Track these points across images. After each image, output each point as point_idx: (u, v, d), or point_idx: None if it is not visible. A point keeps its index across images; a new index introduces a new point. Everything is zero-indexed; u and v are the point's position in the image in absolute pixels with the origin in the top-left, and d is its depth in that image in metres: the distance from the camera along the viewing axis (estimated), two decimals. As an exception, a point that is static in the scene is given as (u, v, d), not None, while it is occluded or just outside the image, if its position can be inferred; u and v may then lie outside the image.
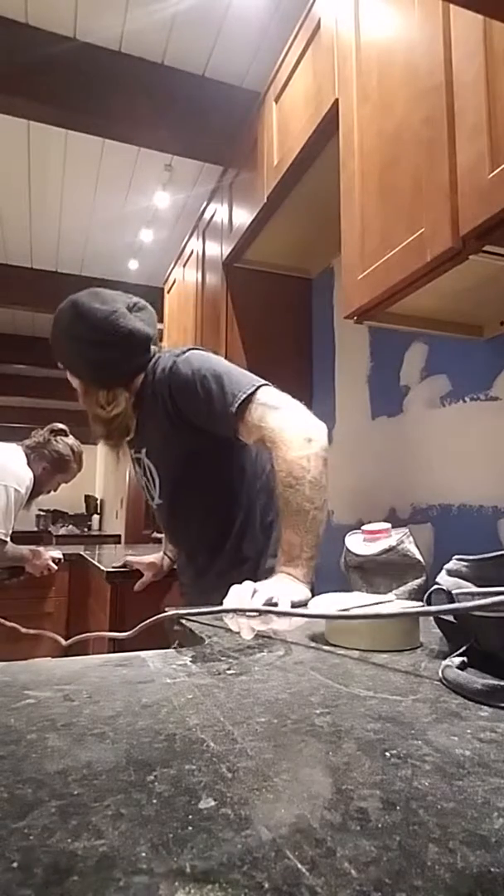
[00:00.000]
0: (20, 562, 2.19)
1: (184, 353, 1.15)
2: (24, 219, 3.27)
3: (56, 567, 2.29)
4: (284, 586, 0.94)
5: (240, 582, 0.94)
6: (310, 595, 0.95)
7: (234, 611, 0.79)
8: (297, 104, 1.44)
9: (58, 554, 2.31)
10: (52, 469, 2.20)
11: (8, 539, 2.03)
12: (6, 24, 1.98)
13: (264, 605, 0.86)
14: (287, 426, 1.01)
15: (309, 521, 0.97)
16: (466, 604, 0.53)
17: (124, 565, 1.77)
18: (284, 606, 0.87)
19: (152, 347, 1.22)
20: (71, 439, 2.26)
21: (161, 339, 2.72)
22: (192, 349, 1.17)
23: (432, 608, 0.58)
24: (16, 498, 2.00)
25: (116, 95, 2.12)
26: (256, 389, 1.04)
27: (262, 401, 1.04)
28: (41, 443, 2.18)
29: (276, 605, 0.87)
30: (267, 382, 1.07)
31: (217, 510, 1.21)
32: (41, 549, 2.29)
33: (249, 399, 1.03)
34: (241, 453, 1.19)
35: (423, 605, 0.69)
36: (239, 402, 1.02)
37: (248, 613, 0.85)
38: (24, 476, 2.06)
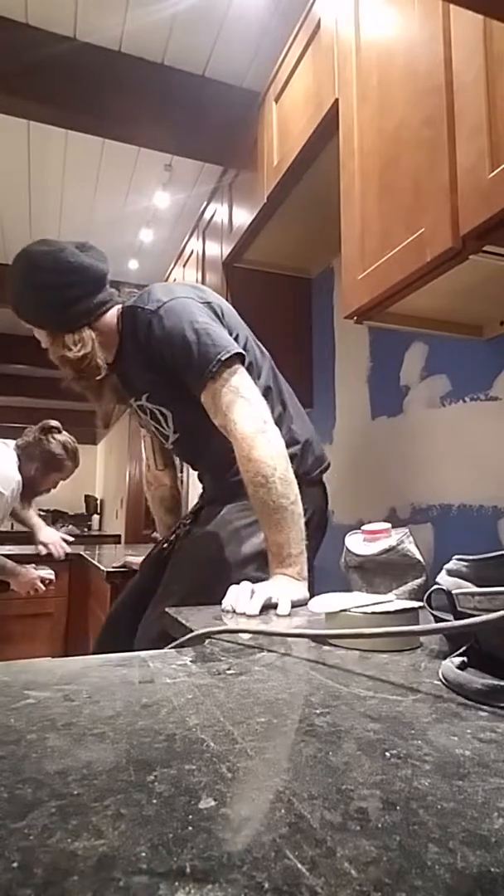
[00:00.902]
0: (3, 574, 2.09)
1: (159, 307, 1.13)
2: (24, 219, 3.27)
3: (44, 588, 2.16)
4: (282, 586, 0.94)
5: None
6: (307, 594, 0.96)
7: (263, 633, 0.75)
8: (297, 104, 1.44)
9: (49, 574, 2.19)
10: (44, 469, 2.15)
11: None
12: (6, 24, 1.98)
13: (264, 605, 0.87)
14: (250, 424, 1.02)
15: (289, 518, 0.98)
16: (475, 619, 0.52)
17: (124, 566, 1.77)
18: (284, 607, 0.87)
19: (109, 289, 1.22)
20: (64, 436, 2.21)
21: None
22: (170, 300, 1.14)
23: (439, 625, 0.58)
24: (0, 501, 1.97)
25: (116, 95, 2.11)
26: (225, 366, 1.04)
27: (235, 386, 1.04)
28: (32, 443, 2.14)
29: (275, 605, 0.88)
30: (237, 350, 1.06)
31: None
32: (30, 566, 2.18)
33: (219, 376, 1.04)
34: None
35: (423, 604, 0.69)
36: (209, 373, 1.04)
37: (247, 614, 0.85)
38: (10, 478, 2.01)
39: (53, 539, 2.29)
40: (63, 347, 1.16)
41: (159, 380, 1.19)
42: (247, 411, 1.02)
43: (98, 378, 1.19)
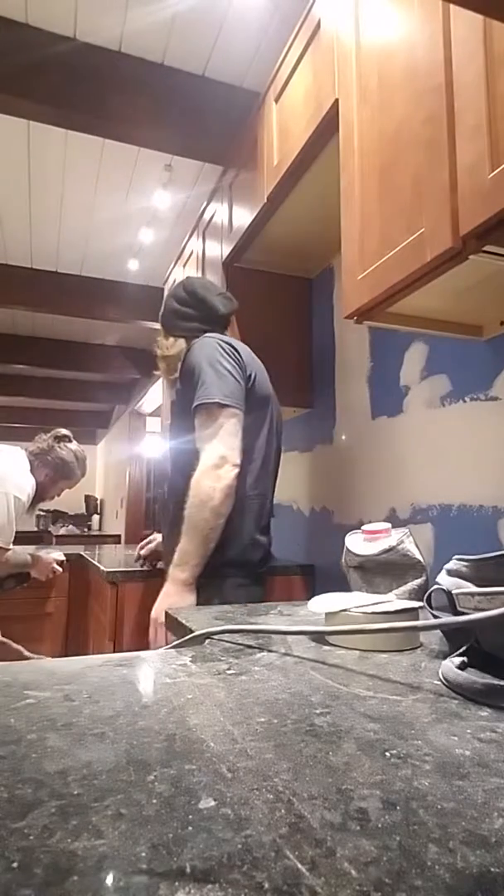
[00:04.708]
0: (24, 567, 2.17)
1: (201, 337, 1.40)
2: (24, 219, 3.27)
3: (61, 569, 2.28)
4: (164, 595, 1.22)
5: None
6: (191, 598, 1.21)
7: (264, 632, 0.77)
8: (297, 104, 1.44)
9: (60, 556, 2.30)
10: (55, 476, 2.19)
11: (10, 547, 2.02)
12: (6, 24, 1.98)
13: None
14: (212, 457, 1.23)
15: (202, 537, 1.21)
16: (473, 616, 0.52)
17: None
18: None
19: (218, 327, 1.49)
20: (74, 445, 2.25)
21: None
22: (207, 336, 1.40)
23: (438, 621, 0.58)
24: (16, 505, 1.99)
25: (116, 95, 2.11)
26: (215, 405, 1.26)
27: (220, 424, 1.25)
28: (45, 449, 2.18)
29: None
30: (232, 404, 1.27)
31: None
32: (42, 553, 2.27)
33: (209, 411, 1.27)
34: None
35: (423, 604, 0.69)
36: (197, 404, 1.28)
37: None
38: (24, 483, 2.05)
39: (44, 569, 2.29)
40: (163, 344, 1.51)
41: (179, 389, 1.44)
42: (215, 447, 1.24)
43: (171, 377, 1.50)
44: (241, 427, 1.29)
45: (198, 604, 1.23)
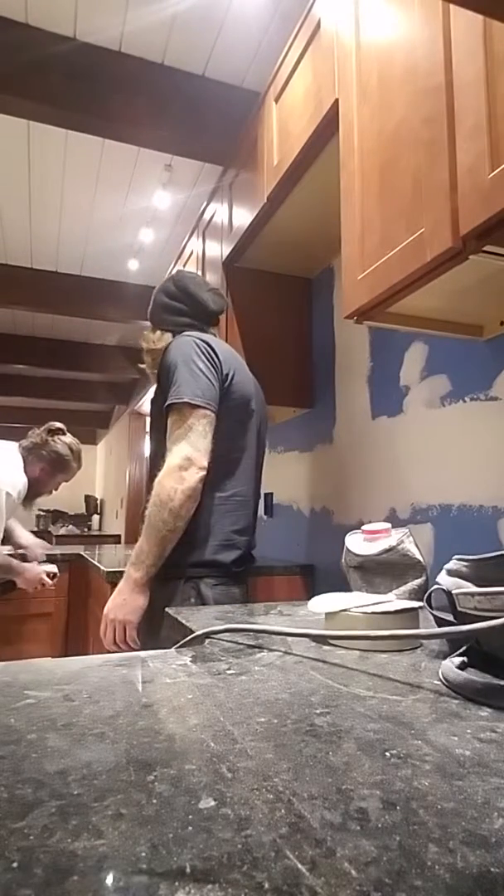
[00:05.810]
0: (8, 573, 2.10)
1: (179, 335, 1.39)
2: (24, 219, 3.27)
3: (50, 583, 2.18)
4: (115, 595, 1.22)
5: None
6: (139, 601, 1.21)
7: (265, 632, 0.77)
8: (297, 104, 1.44)
9: (53, 568, 2.22)
10: (51, 469, 2.17)
11: None
12: (6, 24, 1.98)
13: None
14: (178, 458, 1.22)
15: (159, 538, 1.20)
16: (480, 625, 0.52)
17: None
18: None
19: (208, 323, 1.49)
20: (69, 437, 2.23)
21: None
22: (184, 334, 1.38)
23: (443, 630, 0.57)
24: (7, 502, 1.97)
25: (116, 95, 2.12)
26: (186, 405, 1.25)
27: (189, 426, 1.24)
28: (39, 443, 2.15)
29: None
30: (203, 405, 1.25)
31: None
32: (32, 563, 2.19)
33: (180, 411, 1.26)
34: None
35: (423, 604, 0.69)
36: (168, 404, 1.27)
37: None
38: (16, 480, 2.02)
39: (31, 581, 2.23)
40: (150, 338, 1.48)
41: (156, 397, 1.42)
42: (182, 448, 1.23)
43: (155, 371, 1.45)
44: (212, 428, 1.27)
45: (174, 603, 1.22)
